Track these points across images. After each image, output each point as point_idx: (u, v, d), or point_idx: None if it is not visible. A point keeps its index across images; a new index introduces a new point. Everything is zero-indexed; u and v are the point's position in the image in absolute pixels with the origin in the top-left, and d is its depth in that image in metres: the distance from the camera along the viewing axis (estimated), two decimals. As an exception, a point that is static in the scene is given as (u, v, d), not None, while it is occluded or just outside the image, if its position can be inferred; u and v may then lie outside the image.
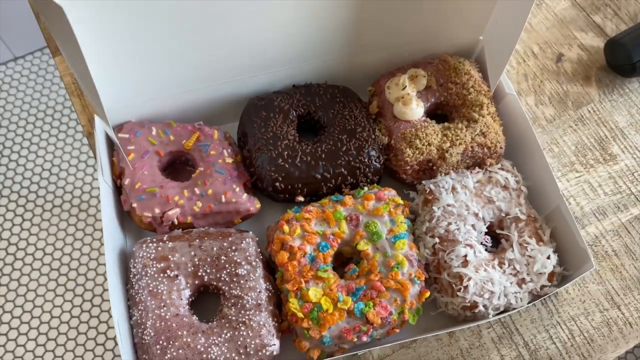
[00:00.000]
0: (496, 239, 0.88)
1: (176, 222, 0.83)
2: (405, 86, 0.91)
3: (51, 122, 2.22)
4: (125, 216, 0.89)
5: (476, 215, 0.85)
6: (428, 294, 0.80)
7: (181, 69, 0.85)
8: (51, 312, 1.50)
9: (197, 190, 0.84)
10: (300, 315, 0.76)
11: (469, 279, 0.79)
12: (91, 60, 0.70)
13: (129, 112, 0.89)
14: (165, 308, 0.76)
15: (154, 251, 0.79)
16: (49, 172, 2.06)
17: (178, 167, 0.92)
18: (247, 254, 0.79)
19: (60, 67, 1.02)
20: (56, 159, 2.09)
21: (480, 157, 0.90)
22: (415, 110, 0.91)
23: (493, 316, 0.81)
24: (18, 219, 1.91)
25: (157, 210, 0.82)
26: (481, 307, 0.79)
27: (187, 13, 0.75)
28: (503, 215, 0.87)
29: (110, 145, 0.89)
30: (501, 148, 0.91)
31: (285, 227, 0.81)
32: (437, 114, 0.97)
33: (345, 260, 0.86)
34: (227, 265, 0.78)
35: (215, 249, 0.79)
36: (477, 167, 0.91)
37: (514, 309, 0.82)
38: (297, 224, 0.81)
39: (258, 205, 0.87)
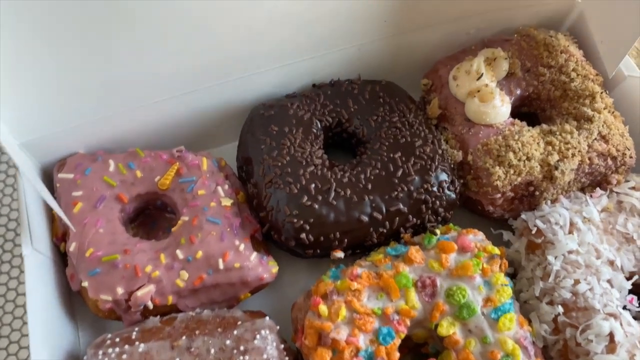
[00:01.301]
0: (642, 297, 0.58)
1: (151, 305, 0.54)
2: (482, 74, 0.62)
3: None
4: (76, 299, 0.59)
5: (612, 263, 0.56)
6: (559, 401, 0.50)
7: (147, 68, 0.58)
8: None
9: (180, 254, 0.55)
10: None
11: (623, 372, 0.49)
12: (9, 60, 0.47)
13: (76, 139, 0.63)
14: None
15: (115, 361, 0.49)
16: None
17: (153, 214, 0.63)
18: (265, 356, 0.50)
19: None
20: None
21: (601, 172, 0.61)
22: (500, 108, 0.62)
23: None
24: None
25: (120, 291, 0.54)
26: (645, 418, 0.49)
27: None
28: (650, 259, 0.57)
29: (51, 190, 0.59)
30: (631, 157, 0.63)
31: (322, 307, 0.51)
32: (522, 112, 0.68)
33: (413, 346, 0.56)
34: (234, 379, 0.48)
35: (212, 351, 0.50)
36: (597, 188, 0.61)
37: (693, 413, 0.51)
38: (341, 300, 0.51)
39: (275, 270, 0.58)
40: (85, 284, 0.54)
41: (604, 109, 0.63)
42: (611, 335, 0.52)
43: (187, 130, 0.65)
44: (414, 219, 0.58)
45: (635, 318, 0.57)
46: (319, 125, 0.63)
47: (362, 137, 0.63)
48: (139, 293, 0.54)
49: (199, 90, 0.62)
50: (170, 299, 0.55)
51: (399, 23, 0.64)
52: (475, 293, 0.53)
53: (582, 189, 0.62)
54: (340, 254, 0.58)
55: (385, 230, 0.58)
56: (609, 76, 0.65)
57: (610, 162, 0.61)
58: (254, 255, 0.57)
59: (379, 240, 0.59)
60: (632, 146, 0.62)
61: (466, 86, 0.63)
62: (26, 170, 0.52)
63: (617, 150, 0.61)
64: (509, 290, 0.53)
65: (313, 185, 0.58)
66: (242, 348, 0.50)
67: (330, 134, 0.65)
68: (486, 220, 0.64)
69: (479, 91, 0.62)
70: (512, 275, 0.60)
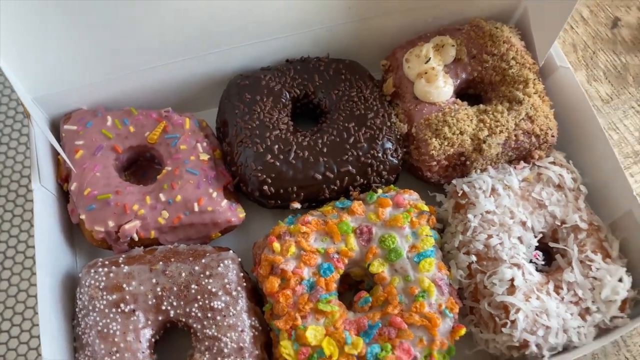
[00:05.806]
0: (549, 254, 0.69)
1: (136, 237, 0.65)
2: (429, 58, 0.72)
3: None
4: (76, 230, 0.70)
5: (523, 224, 0.66)
6: (464, 330, 0.61)
7: (143, 38, 0.67)
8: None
9: (162, 197, 0.66)
10: (295, 363, 0.57)
11: (518, 310, 0.61)
12: (26, 28, 0.57)
13: (81, 97, 0.72)
14: (118, 354, 0.58)
15: (104, 278, 0.60)
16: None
17: (144, 165, 0.74)
18: (226, 280, 0.61)
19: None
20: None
21: (526, 148, 0.71)
22: (443, 89, 0.71)
23: (549, 358, 0.62)
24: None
25: (111, 223, 0.64)
26: (533, 347, 0.61)
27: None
28: (558, 223, 0.68)
29: (57, 139, 0.70)
30: (553, 136, 0.71)
31: (276, 245, 0.62)
32: (468, 93, 0.78)
33: (354, 283, 0.68)
34: (198, 297, 0.60)
35: (183, 274, 0.61)
36: (522, 162, 0.71)
37: (576, 347, 0.63)
38: (292, 240, 0.62)
39: (242, 215, 0.68)
40: (82, 217, 0.65)
41: (534, 93, 0.72)
42: (512, 281, 0.63)
43: (175, 95, 0.75)
44: (361, 179, 0.69)
45: (541, 271, 0.68)
46: (288, 96, 0.73)
47: (324, 108, 0.73)
48: (127, 226, 0.65)
49: (187, 60, 0.71)
50: (153, 234, 0.66)
51: (362, 10, 0.73)
52: (403, 240, 0.64)
53: (510, 162, 0.72)
54: (297, 205, 0.69)
55: (336, 188, 0.68)
56: (539, 64, 0.74)
57: (534, 139, 0.70)
58: (225, 202, 0.68)
59: (331, 195, 0.69)
60: (554, 127, 0.71)
61: (416, 68, 0.73)
62: (38, 120, 0.63)
63: (541, 130, 0.70)
64: (431, 240, 0.64)
65: (277, 146, 0.68)
66: (207, 273, 0.61)
67: (298, 104, 0.75)
68: (426, 185, 0.74)
69: (426, 73, 0.72)
70: (442, 230, 0.70)
